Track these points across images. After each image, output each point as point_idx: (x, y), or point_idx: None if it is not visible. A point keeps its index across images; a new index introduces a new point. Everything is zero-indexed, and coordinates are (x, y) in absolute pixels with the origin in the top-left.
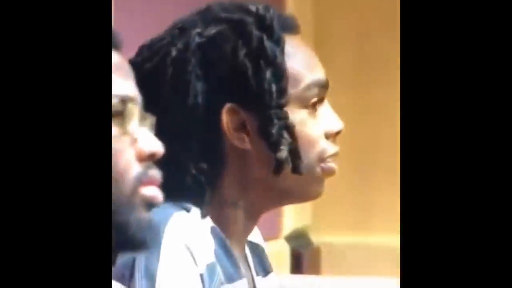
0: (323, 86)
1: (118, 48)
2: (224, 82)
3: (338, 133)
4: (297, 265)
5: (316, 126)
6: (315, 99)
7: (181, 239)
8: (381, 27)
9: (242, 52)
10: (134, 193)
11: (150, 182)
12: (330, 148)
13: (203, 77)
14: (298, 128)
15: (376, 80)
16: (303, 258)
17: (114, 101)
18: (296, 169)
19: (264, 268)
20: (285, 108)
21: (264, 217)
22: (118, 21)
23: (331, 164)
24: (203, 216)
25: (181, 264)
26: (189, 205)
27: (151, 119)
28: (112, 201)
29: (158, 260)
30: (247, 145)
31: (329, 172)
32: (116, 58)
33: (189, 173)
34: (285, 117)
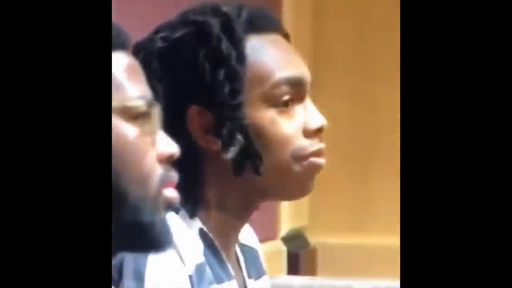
0: (296, 83)
1: (128, 49)
2: (187, 84)
3: (319, 130)
4: (294, 266)
5: (289, 125)
6: (286, 97)
7: None
8: (381, 27)
9: (201, 53)
10: (158, 194)
11: (169, 184)
12: (309, 145)
13: (166, 80)
14: (266, 127)
15: (376, 80)
16: (300, 259)
17: (141, 103)
18: (256, 170)
19: (257, 271)
20: (251, 108)
21: (261, 218)
22: (118, 21)
23: (313, 160)
24: (191, 217)
25: (169, 265)
26: (178, 207)
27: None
28: (139, 203)
29: (146, 262)
30: (216, 146)
31: (312, 169)
32: (131, 60)
33: None
34: (238, 118)
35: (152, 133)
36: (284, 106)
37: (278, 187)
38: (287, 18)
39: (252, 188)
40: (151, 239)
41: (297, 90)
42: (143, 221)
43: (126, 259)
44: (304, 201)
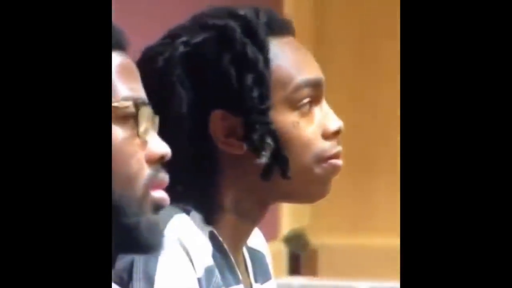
0: (315, 86)
1: (125, 49)
2: (211, 88)
3: (337, 132)
4: (295, 267)
5: (310, 127)
6: (307, 100)
7: (180, 242)
8: (381, 27)
9: (226, 58)
10: (145, 195)
11: (158, 185)
12: (329, 147)
13: (189, 85)
14: (290, 131)
15: (376, 80)
16: (300, 260)
17: (128, 103)
18: (284, 174)
19: (264, 275)
20: (274, 112)
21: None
22: (118, 21)
23: (333, 161)
24: (204, 220)
25: (180, 267)
26: (189, 208)
27: (157, 121)
28: (124, 204)
29: (156, 263)
30: (238, 150)
31: (332, 171)
32: (124, 60)
33: (183, 179)
34: (267, 122)
35: (142, 134)
36: (305, 109)
37: (301, 190)
38: None
39: (274, 191)
40: (137, 241)
41: (316, 92)
42: (128, 222)
43: (136, 261)
44: None
